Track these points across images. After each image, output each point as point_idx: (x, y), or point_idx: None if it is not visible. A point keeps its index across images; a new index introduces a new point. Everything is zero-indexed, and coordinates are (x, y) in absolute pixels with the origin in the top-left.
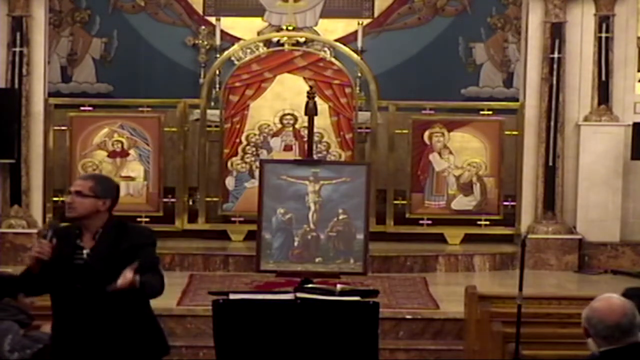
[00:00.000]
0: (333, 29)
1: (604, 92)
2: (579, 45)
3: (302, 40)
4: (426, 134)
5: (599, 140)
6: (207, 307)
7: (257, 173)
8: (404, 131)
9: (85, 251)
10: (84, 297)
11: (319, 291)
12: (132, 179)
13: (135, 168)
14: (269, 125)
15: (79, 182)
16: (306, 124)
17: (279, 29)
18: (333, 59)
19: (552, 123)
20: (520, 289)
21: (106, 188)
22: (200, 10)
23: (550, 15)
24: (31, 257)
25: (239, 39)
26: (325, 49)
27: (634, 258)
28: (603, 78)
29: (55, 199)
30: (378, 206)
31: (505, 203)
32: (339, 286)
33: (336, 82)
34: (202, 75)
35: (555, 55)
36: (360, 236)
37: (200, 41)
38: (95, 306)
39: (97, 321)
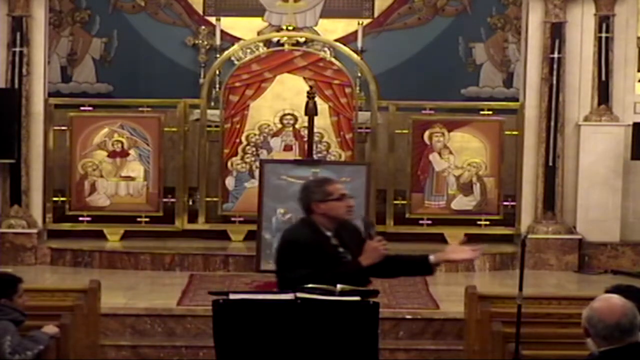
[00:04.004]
0: (333, 29)
1: (604, 92)
2: (579, 45)
3: (302, 40)
4: (426, 134)
5: (599, 140)
6: (207, 307)
7: (257, 173)
8: (404, 131)
9: (340, 249)
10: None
11: (319, 291)
12: (132, 179)
13: (135, 168)
14: (269, 125)
15: (342, 186)
16: (306, 124)
17: (279, 29)
18: (333, 59)
19: (552, 123)
20: (520, 289)
21: None
22: (200, 10)
23: (550, 15)
24: (382, 254)
25: (239, 39)
26: (325, 49)
27: (634, 258)
28: (603, 78)
29: (55, 199)
30: (378, 206)
31: (505, 203)
32: (339, 286)
33: (336, 82)
34: (202, 75)
35: (555, 55)
36: None
37: (200, 41)
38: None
39: None
